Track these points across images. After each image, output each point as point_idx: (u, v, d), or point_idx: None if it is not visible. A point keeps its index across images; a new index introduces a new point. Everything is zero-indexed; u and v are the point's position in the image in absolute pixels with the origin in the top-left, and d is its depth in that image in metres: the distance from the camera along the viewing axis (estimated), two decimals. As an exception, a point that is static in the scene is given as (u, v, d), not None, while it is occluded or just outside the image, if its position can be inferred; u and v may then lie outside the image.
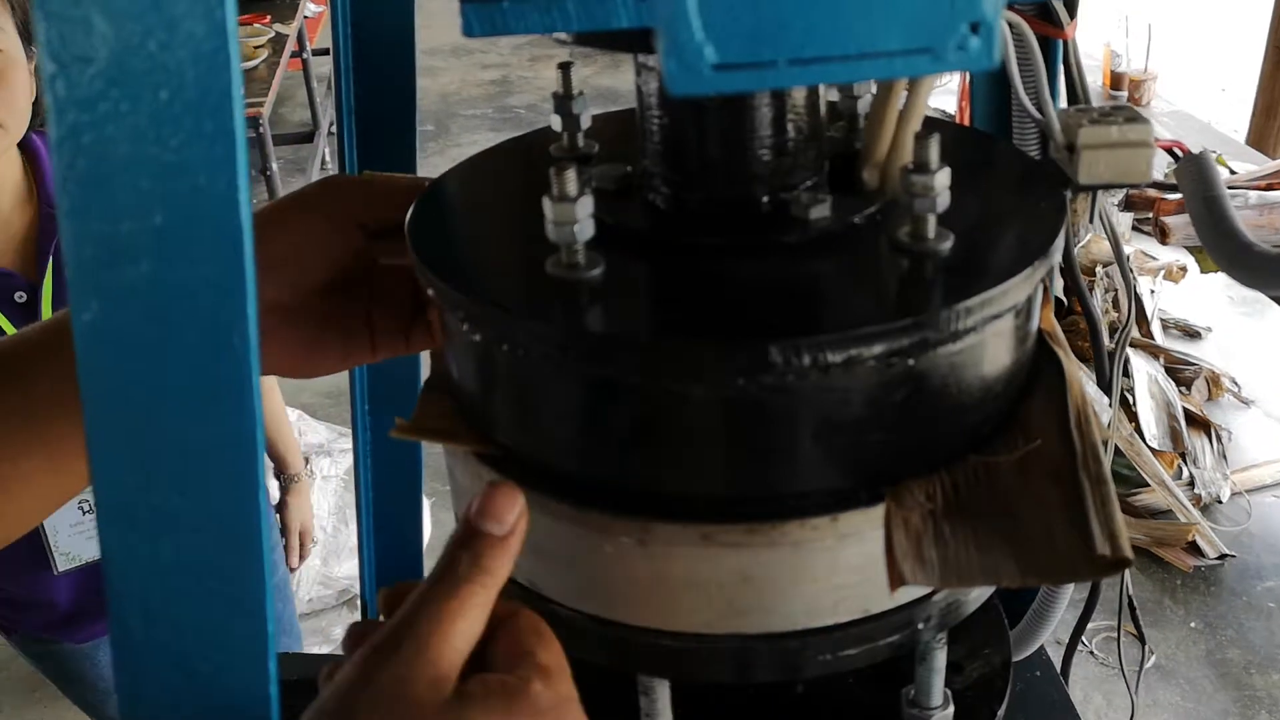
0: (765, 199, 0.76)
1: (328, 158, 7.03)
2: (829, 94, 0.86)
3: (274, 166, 5.92)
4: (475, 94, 8.86)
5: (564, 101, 0.87)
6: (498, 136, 7.56)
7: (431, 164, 7.06)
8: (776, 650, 0.75)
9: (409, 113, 1.19)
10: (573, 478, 0.75)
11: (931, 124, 0.78)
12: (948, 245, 0.70)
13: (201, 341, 0.52)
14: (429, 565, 1.43)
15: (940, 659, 0.87)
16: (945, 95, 5.37)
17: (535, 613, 0.69)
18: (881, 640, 0.77)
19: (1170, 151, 0.87)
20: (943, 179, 0.69)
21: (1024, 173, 0.84)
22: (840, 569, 0.73)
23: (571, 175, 0.69)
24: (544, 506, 0.74)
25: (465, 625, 0.63)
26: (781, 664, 0.76)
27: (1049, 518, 0.70)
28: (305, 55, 7.48)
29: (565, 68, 0.87)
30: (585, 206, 0.70)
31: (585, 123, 0.88)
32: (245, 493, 0.55)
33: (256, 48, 6.30)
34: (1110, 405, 1.02)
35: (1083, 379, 0.79)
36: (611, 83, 7.93)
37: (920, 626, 0.78)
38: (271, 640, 0.58)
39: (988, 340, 0.71)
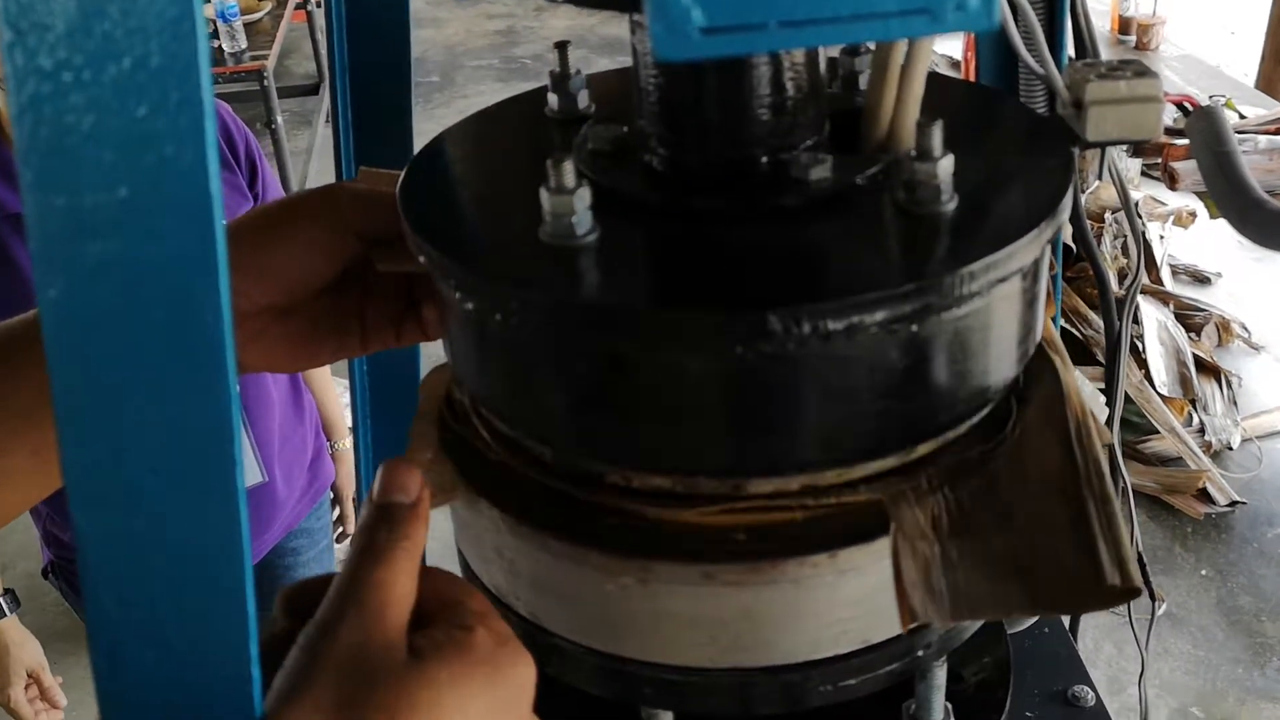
0: (764, 159, 0.74)
1: (333, 110, 7.05)
2: (829, 50, 0.84)
3: (279, 119, 5.92)
4: (480, 44, 8.85)
5: (561, 81, 0.87)
6: (503, 87, 7.58)
7: (437, 115, 7.05)
8: (778, 683, 0.76)
9: (404, 68, 1.17)
10: (566, 474, 0.75)
11: (935, 80, 0.76)
12: (952, 206, 0.68)
13: (172, 318, 0.50)
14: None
15: (940, 675, 0.88)
16: (951, 39, 5.33)
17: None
18: (883, 669, 0.77)
19: (1180, 105, 0.85)
20: (945, 139, 0.67)
21: (1030, 130, 0.82)
22: (841, 603, 0.73)
23: (568, 168, 0.67)
24: (544, 544, 0.75)
25: (401, 589, 0.64)
26: (783, 696, 0.77)
27: (1055, 541, 0.70)
28: (310, 7, 7.47)
29: (562, 47, 0.87)
30: (583, 199, 0.69)
31: (582, 103, 0.87)
32: (222, 471, 0.53)
33: (261, 0, 6.29)
34: (1119, 357, 1.00)
35: (1080, 387, 0.78)
36: (619, 32, 7.88)
37: (921, 654, 0.78)
38: (252, 619, 0.56)
39: (994, 304, 0.69)
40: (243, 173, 2.22)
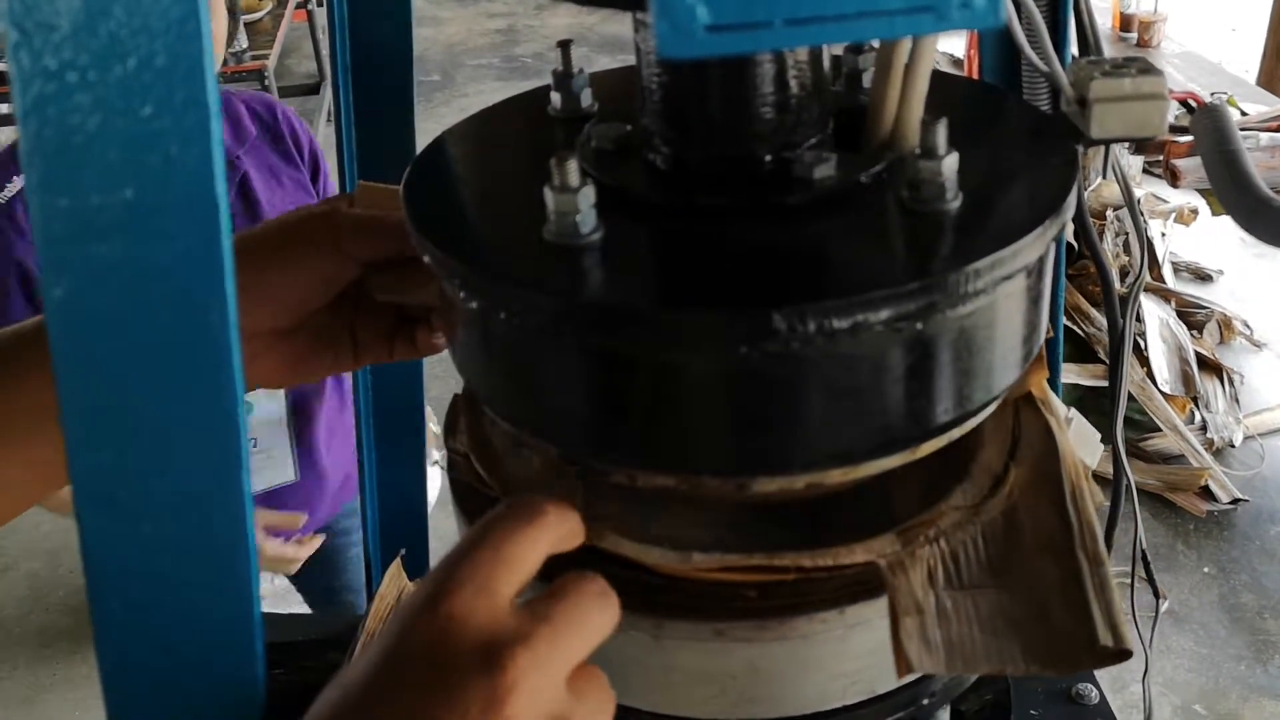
0: (768, 158, 0.74)
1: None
2: (833, 47, 0.83)
3: (280, 118, 5.90)
4: (481, 43, 8.84)
5: (564, 80, 0.87)
6: (504, 86, 7.56)
7: (438, 115, 7.05)
8: None
9: (406, 67, 1.17)
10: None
11: (939, 78, 0.75)
12: (956, 204, 0.68)
13: (177, 319, 0.50)
14: (433, 523, 1.42)
15: (944, 718, 0.89)
16: (955, 36, 5.33)
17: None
18: (888, 718, 0.79)
19: (1184, 103, 0.85)
20: (949, 137, 0.67)
21: (1034, 127, 0.81)
22: (848, 656, 0.74)
23: (572, 166, 0.67)
24: None
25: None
26: None
27: (1048, 600, 0.71)
28: (310, 6, 7.45)
29: (565, 46, 0.87)
30: (587, 197, 0.68)
31: (585, 101, 0.87)
32: (227, 473, 0.53)
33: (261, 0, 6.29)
34: (1122, 355, 1.00)
35: (1074, 447, 0.80)
36: (619, 30, 7.88)
37: (926, 702, 0.79)
38: (258, 622, 0.56)
39: (999, 302, 0.69)
40: (306, 169, 2.24)
